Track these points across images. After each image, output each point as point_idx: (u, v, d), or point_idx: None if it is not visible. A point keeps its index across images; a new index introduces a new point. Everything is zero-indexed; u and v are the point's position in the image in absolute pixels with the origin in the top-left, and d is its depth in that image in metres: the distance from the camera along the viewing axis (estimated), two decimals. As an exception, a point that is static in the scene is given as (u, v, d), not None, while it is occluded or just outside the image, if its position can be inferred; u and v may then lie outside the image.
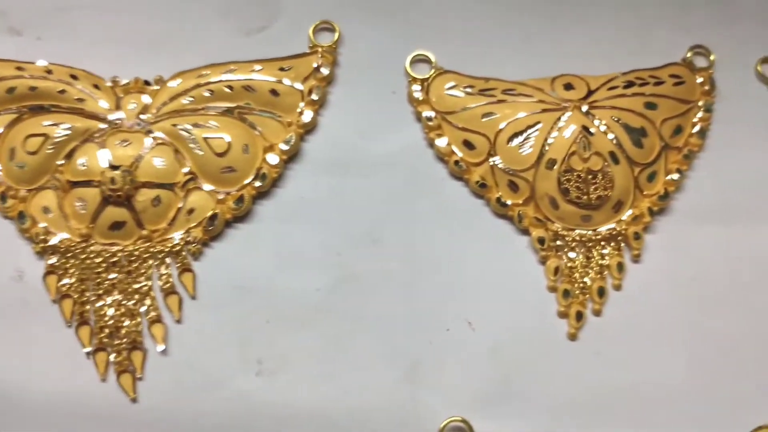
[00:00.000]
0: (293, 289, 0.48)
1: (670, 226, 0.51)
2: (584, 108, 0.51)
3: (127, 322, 0.47)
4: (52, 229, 0.49)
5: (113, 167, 0.48)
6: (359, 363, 0.47)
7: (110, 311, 0.47)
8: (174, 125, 0.50)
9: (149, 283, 0.48)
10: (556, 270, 0.49)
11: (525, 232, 0.50)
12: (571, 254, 0.49)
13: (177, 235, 0.49)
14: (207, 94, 0.51)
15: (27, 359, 0.46)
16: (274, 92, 0.51)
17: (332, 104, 0.53)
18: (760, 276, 0.49)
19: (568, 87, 0.52)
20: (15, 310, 0.48)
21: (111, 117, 0.50)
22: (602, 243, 0.50)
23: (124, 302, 0.47)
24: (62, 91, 0.50)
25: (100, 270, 0.48)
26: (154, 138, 0.49)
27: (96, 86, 0.51)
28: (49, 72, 0.51)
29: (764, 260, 0.50)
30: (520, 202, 0.50)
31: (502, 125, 0.51)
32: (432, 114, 0.52)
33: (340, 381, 0.47)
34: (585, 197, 0.50)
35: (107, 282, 0.48)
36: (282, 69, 0.52)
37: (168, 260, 0.48)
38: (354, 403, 0.46)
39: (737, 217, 0.51)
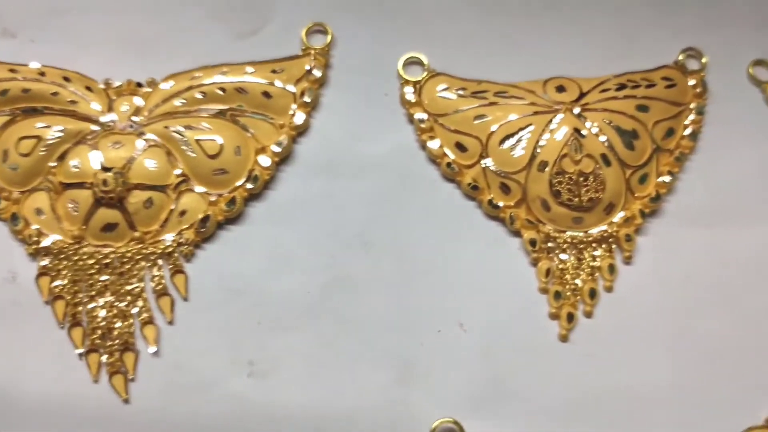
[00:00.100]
0: (285, 291, 0.48)
1: (662, 228, 0.51)
2: (576, 110, 0.51)
3: (119, 324, 0.47)
4: (44, 230, 0.49)
5: (105, 169, 0.48)
6: (351, 365, 0.47)
7: (102, 312, 0.47)
8: (166, 127, 0.50)
9: (141, 284, 0.48)
10: (548, 272, 0.49)
11: (517, 234, 0.50)
12: (563, 256, 0.50)
13: (169, 237, 0.49)
14: (199, 96, 0.51)
15: (20, 360, 0.47)
16: (266, 94, 0.51)
17: (324, 106, 0.53)
18: (750, 278, 0.50)
19: (560, 89, 0.53)
20: (8, 311, 0.48)
21: (103, 119, 0.50)
22: (593, 245, 0.50)
23: (116, 304, 0.47)
24: (55, 93, 0.51)
25: (92, 271, 0.48)
26: (146, 140, 0.50)
27: (89, 88, 0.51)
28: (42, 74, 0.51)
29: (755, 262, 0.50)
30: (512, 204, 0.51)
31: (494, 127, 0.51)
32: (424, 116, 0.53)
33: (331, 382, 0.47)
34: (576, 199, 0.50)
35: (100, 283, 0.48)
36: (274, 71, 0.52)
37: (160, 262, 0.48)
38: (345, 404, 0.46)
39: (728, 220, 0.51)
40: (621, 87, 0.53)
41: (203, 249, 0.49)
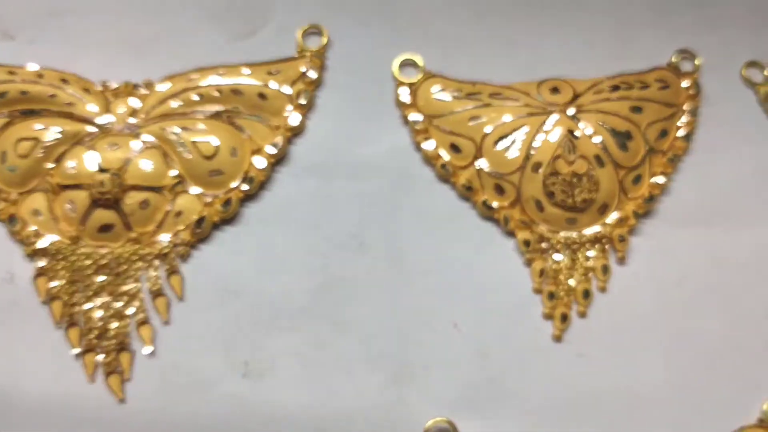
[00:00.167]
0: (280, 292, 0.49)
1: (655, 229, 0.51)
2: (570, 112, 0.52)
3: (115, 324, 0.47)
4: (42, 231, 0.49)
5: (102, 170, 0.49)
6: (345, 365, 0.47)
7: (99, 313, 0.48)
8: (163, 129, 0.50)
9: (137, 285, 0.48)
10: (542, 272, 0.49)
11: (511, 234, 0.51)
12: (557, 256, 0.50)
13: (165, 238, 0.49)
14: (196, 97, 0.51)
15: (17, 360, 0.47)
16: (261, 96, 0.52)
17: (320, 108, 0.53)
18: (744, 279, 0.50)
19: (555, 91, 0.53)
20: (5, 311, 0.48)
21: (100, 120, 0.51)
22: (587, 245, 0.50)
23: (112, 304, 0.48)
24: (53, 95, 0.51)
25: (89, 272, 0.48)
26: (142, 141, 0.50)
27: (86, 90, 0.52)
28: (40, 76, 0.52)
29: (748, 263, 0.50)
30: (506, 204, 0.51)
31: (488, 129, 0.52)
32: (419, 118, 0.53)
33: (326, 383, 0.47)
34: (570, 200, 0.50)
35: (96, 284, 0.48)
36: (270, 73, 0.52)
37: (156, 262, 0.49)
38: (340, 405, 0.46)
39: (722, 220, 0.51)
40: (615, 88, 0.53)
41: (199, 250, 0.50)
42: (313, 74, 0.53)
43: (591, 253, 0.50)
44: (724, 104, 0.55)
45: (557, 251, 0.50)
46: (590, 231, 0.50)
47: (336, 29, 0.55)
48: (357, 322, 0.48)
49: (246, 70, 0.52)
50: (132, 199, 0.49)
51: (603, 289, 0.49)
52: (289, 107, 0.52)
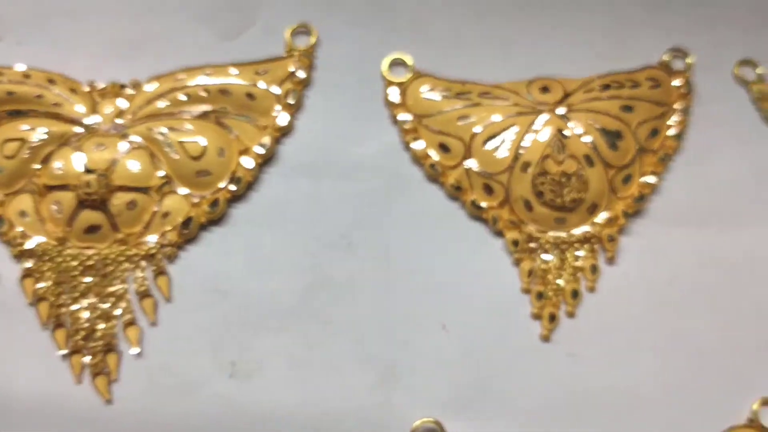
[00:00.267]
0: (268, 292, 0.48)
1: (645, 229, 0.51)
2: (559, 111, 0.51)
3: (102, 325, 0.47)
4: (28, 232, 0.49)
5: (89, 171, 0.48)
6: (333, 366, 0.47)
7: (85, 314, 0.47)
8: (150, 129, 0.50)
9: (124, 286, 0.48)
10: (530, 272, 0.49)
11: (500, 234, 0.50)
12: (545, 256, 0.50)
13: (152, 239, 0.49)
14: (183, 97, 0.51)
15: (3, 361, 0.47)
16: (250, 96, 0.52)
17: (308, 108, 0.53)
18: (734, 279, 0.49)
19: (545, 90, 0.53)
20: (-7, 312, 0.48)
21: (87, 121, 0.50)
22: (576, 245, 0.50)
23: (99, 305, 0.48)
24: (39, 96, 0.51)
25: (75, 273, 0.48)
26: (129, 142, 0.50)
27: (73, 90, 0.51)
28: (26, 76, 0.52)
29: (739, 263, 0.50)
30: (495, 204, 0.51)
31: (477, 129, 0.51)
32: (408, 117, 0.53)
33: (314, 384, 0.47)
34: (559, 200, 0.50)
35: (83, 285, 0.48)
36: (258, 72, 0.52)
37: (143, 263, 0.49)
38: (328, 405, 0.46)
39: (712, 220, 0.51)
40: (605, 87, 0.53)
41: (186, 250, 0.50)
42: (301, 74, 0.53)
43: (580, 253, 0.50)
44: (716, 103, 0.55)
45: (546, 251, 0.50)
46: (579, 231, 0.50)
47: (325, 28, 0.55)
48: (345, 322, 0.48)
49: (234, 70, 0.52)
50: (119, 199, 0.49)
51: (592, 289, 0.49)
52: (278, 107, 0.52)
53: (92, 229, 0.48)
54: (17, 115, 0.50)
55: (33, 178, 0.49)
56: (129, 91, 0.52)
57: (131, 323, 0.47)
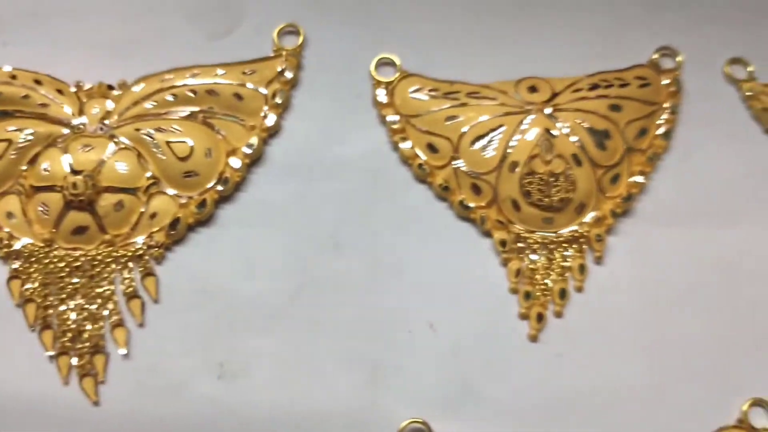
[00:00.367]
0: (256, 293, 0.48)
1: (633, 228, 0.51)
2: (547, 111, 0.51)
3: (89, 326, 0.47)
4: (15, 234, 0.49)
5: (75, 172, 0.48)
6: (321, 366, 0.47)
7: (73, 315, 0.47)
8: (137, 130, 0.50)
9: (112, 287, 0.48)
10: (518, 272, 0.49)
11: (488, 234, 0.50)
12: (533, 256, 0.50)
13: (139, 240, 0.49)
14: (170, 98, 0.51)
15: (-9, 363, 0.47)
16: (237, 96, 0.52)
17: (296, 108, 0.53)
18: (722, 279, 0.49)
19: (533, 90, 0.52)
20: (-21, 314, 0.48)
21: (74, 122, 0.50)
22: (564, 245, 0.50)
23: (86, 306, 0.48)
24: (26, 96, 0.51)
25: (63, 274, 0.48)
26: (116, 143, 0.50)
27: (60, 91, 0.51)
28: (13, 77, 0.52)
29: (727, 263, 0.50)
30: (483, 204, 0.51)
31: (465, 128, 0.51)
32: (396, 117, 0.53)
33: (301, 384, 0.47)
34: (547, 199, 0.50)
35: (70, 286, 0.48)
36: (245, 73, 0.52)
37: (131, 264, 0.49)
38: (316, 406, 0.46)
39: (700, 220, 0.51)
40: (594, 87, 0.53)
41: (174, 251, 0.50)
42: (289, 74, 0.53)
43: (568, 252, 0.50)
44: (706, 101, 0.55)
45: (534, 251, 0.50)
46: (567, 231, 0.50)
47: (313, 28, 0.55)
48: (332, 322, 0.48)
49: (221, 71, 0.52)
50: (106, 200, 0.49)
51: (580, 289, 0.49)
52: (265, 107, 0.52)
53: (79, 231, 0.48)
54: (3, 115, 0.50)
55: (20, 179, 0.49)
56: (116, 91, 0.51)
57: (119, 324, 0.47)
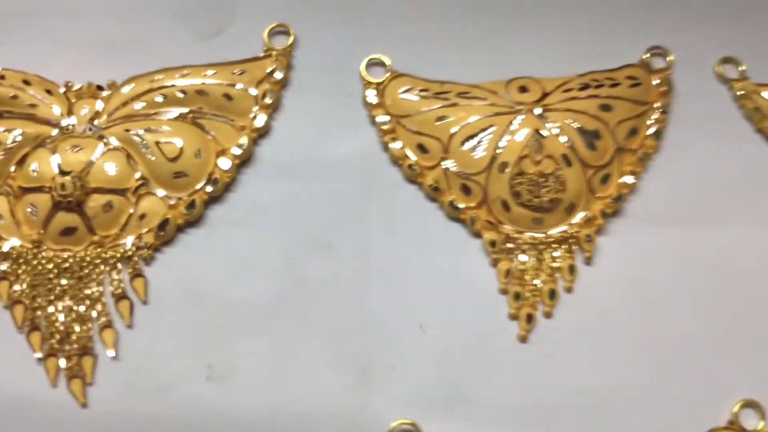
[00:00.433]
0: (245, 294, 0.48)
1: (623, 229, 0.51)
2: (537, 111, 0.51)
3: (78, 328, 0.47)
4: (3, 235, 0.49)
5: (64, 173, 0.48)
6: (311, 367, 0.47)
7: (61, 317, 0.47)
8: (126, 130, 0.50)
9: (100, 288, 0.48)
10: (508, 272, 0.49)
11: (477, 235, 0.50)
12: (523, 257, 0.49)
13: (129, 241, 0.49)
14: (159, 99, 0.51)
15: (-21, 365, 0.47)
16: (227, 96, 0.51)
17: (286, 108, 0.53)
18: (712, 279, 0.49)
19: (523, 90, 0.52)
20: (-33, 316, 0.48)
21: (63, 122, 0.50)
22: (554, 245, 0.50)
23: (75, 308, 0.47)
24: (14, 97, 0.51)
25: (51, 276, 0.48)
26: (105, 143, 0.50)
27: (48, 92, 0.51)
28: (2, 77, 0.52)
29: (717, 263, 0.50)
30: (473, 205, 0.50)
31: (455, 129, 0.51)
32: (386, 118, 0.52)
33: (291, 385, 0.47)
34: (536, 200, 0.50)
35: (59, 288, 0.48)
36: (235, 73, 0.52)
37: (119, 266, 0.48)
38: (305, 407, 0.46)
39: (691, 220, 0.51)
40: (584, 87, 0.53)
41: (163, 252, 0.49)
42: (279, 74, 0.53)
43: (557, 253, 0.50)
44: (697, 101, 0.54)
45: (523, 252, 0.50)
46: (557, 231, 0.50)
47: (303, 28, 0.54)
48: (322, 323, 0.48)
49: (211, 71, 0.52)
50: (95, 201, 0.48)
51: (570, 290, 0.49)
52: (255, 108, 0.52)
53: (68, 232, 0.48)
54: (-8, 116, 0.50)
55: (8, 180, 0.49)
56: (105, 92, 0.51)
57: (107, 326, 0.47)
